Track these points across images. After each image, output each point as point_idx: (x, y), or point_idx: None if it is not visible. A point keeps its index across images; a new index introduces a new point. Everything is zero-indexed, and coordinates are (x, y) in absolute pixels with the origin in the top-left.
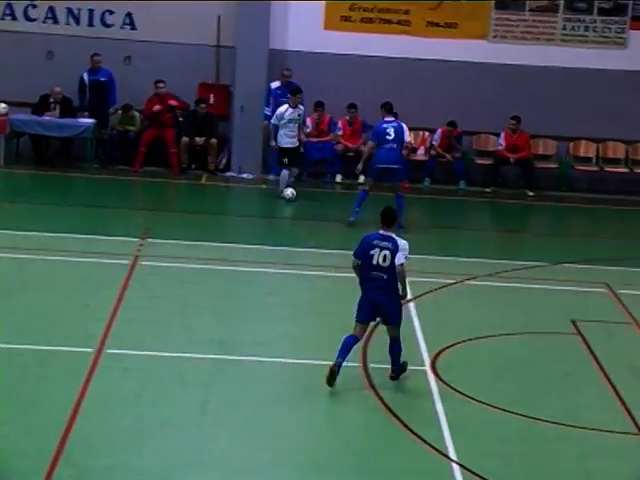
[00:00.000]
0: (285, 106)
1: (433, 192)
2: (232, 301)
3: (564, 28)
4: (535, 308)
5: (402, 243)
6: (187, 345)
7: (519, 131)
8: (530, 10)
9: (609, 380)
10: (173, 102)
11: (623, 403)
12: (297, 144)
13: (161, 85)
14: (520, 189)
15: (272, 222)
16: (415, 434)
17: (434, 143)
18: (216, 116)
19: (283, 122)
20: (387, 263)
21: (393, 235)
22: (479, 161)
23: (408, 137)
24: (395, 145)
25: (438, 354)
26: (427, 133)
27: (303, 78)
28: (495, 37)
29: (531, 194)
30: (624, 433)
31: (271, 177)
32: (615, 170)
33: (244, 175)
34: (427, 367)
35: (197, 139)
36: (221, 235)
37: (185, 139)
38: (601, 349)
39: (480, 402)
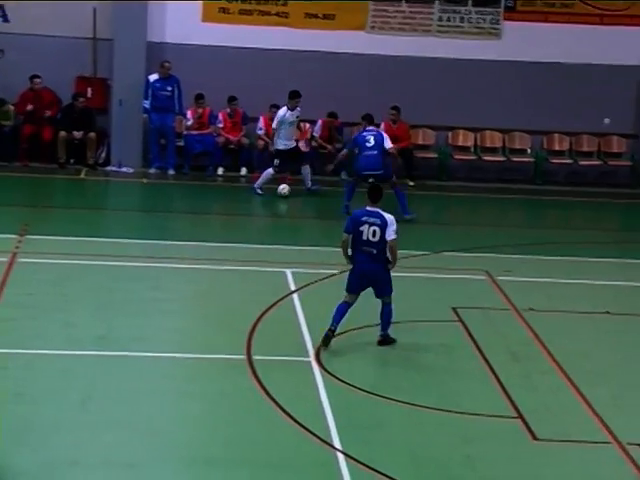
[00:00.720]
0: (284, 109)
1: (317, 183)
2: (113, 296)
3: (440, 19)
4: (417, 296)
5: (390, 218)
6: (68, 342)
7: (399, 121)
8: (407, 1)
9: (489, 365)
10: (48, 112)
11: (502, 387)
12: (294, 145)
13: (37, 80)
14: (401, 179)
15: (153, 216)
16: (300, 424)
17: (315, 134)
18: (94, 110)
19: (283, 125)
20: (377, 238)
21: (379, 210)
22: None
23: (389, 144)
24: (375, 152)
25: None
26: (308, 125)
27: (183, 71)
28: (373, 28)
29: (412, 184)
30: (503, 417)
31: (152, 171)
32: (493, 159)
33: (124, 169)
34: (311, 358)
35: (75, 133)
36: (102, 230)
37: (63, 133)
38: (481, 335)
39: (364, 391)
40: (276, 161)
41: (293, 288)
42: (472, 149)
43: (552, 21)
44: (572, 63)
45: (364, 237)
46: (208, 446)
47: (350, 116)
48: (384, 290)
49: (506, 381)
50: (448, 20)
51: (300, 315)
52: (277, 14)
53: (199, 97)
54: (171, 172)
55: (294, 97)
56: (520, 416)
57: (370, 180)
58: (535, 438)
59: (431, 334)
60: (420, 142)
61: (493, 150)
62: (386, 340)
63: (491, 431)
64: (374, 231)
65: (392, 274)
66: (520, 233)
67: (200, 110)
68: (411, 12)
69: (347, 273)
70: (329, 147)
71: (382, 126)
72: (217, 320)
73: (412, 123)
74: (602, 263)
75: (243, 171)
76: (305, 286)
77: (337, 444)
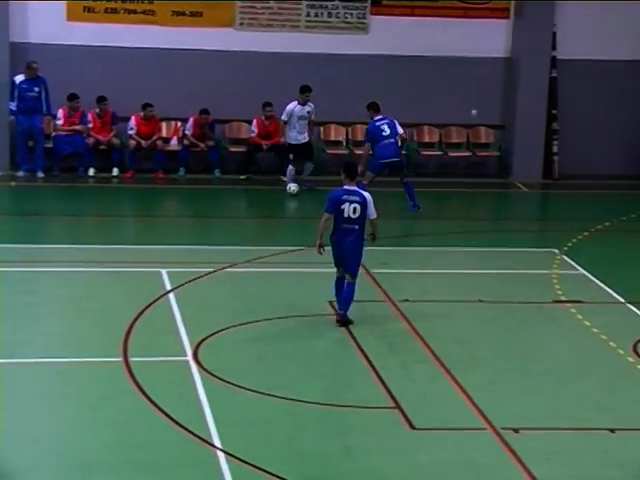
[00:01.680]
0: (294, 103)
1: (188, 182)
2: None
3: (308, 15)
4: (294, 291)
5: (368, 195)
6: None
7: (272, 118)
8: None
9: (367, 357)
10: None
11: (380, 379)
12: (306, 139)
13: None
14: (274, 175)
15: (24, 219)
16: (180, 425)
17: (187, 132)
18: None
19: (293, 119)
20: (357, 214)
21: (357, 188)
22: (233, 149)
23: (401, 129)
24: (392, 140)
25: (200, 343)
26: (179, 123)
27: (50, 71)
28: (241, 25)
29: (286, 179)
30: (381, 407)
31: (20, 174)
32: (336, 152)
33: None
34: (189, 357)
35: None
36: None
37: None
38: (358, 328)
39: (244, 388)
40: (290, 155)
41: (169, 288)
42: (344, 143)
43: (418, 15)
44: (439, 56)
45: (345, 215)
46: (88, 450)
47: (222, 113)
48: (353, 267)
49: (384, 372)
50: (316, 15)
51: (177, 314)
52: (143, 12)
53: (73, 97)
54: (40, 174)
55: (304, 91)
56: (398, 406)
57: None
58: (413, 427)
59: (309, 328)
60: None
61: (361, 143)
62: (344, 320)
63: (369, 422)
64: (354, 208)
65: (268, 269)
66: (392, 225)
67: (71, 110)
68: (279, 8)
69: (217, 273)
70: (201, 145)
71: (254, 122)
72: (93, 322)
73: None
74: (474, 252)
75: (115, 171)
76: (181, 285)
77: (217, 442)
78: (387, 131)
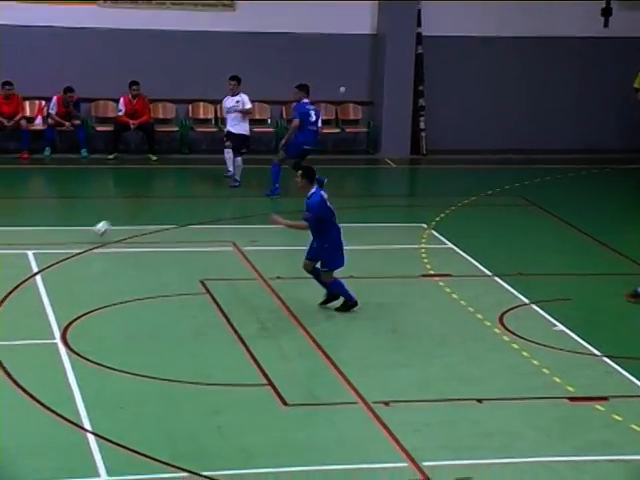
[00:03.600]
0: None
1: (55, 162)
2: None
3: None
4: (165, 271)
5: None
6: None
7: (139, 96)
8: None
9: (239, 335)
10: None
11: (252, 356)
12: (241, 131)
13: None
14: (143, 154)
15: None
16: (48, 409)
17: (51, 111)
18: None
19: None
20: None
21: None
22: (100, 128)
23: (320, 123)
24: (315, 128)
25: (68, 325)
26: (43, 102)
27: None
28: (106, 2)
29: (154, 158)
30: (253, 385)
31: None
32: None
33: None
34: (57, 340)
35: None
36: None
37: None
38: (230, 306)
39: (114, 370)
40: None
41: (35, 270)
42: (213, 121)
43: None
44: (307, 33)
45: (335, 214)
46: None
47: (88, 91)
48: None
49: (256, 350)
50: None
51: (44, 297)
52: None
53: None
54: None
55: (230, 80)
56: (270, 383)
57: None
58: (285, 404)
59: (181, 308)
60: (161, 116)
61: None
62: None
63: (242, 400)
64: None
65: (139, 249)
66: (261, 203)
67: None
68: None
69: (85, 254)
70: (67, 124)
71: (121, 101)
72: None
73: (151, 97)
74: (343, 228)
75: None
76: (48, 267)
77: (87, 425)
78: (313, 117)
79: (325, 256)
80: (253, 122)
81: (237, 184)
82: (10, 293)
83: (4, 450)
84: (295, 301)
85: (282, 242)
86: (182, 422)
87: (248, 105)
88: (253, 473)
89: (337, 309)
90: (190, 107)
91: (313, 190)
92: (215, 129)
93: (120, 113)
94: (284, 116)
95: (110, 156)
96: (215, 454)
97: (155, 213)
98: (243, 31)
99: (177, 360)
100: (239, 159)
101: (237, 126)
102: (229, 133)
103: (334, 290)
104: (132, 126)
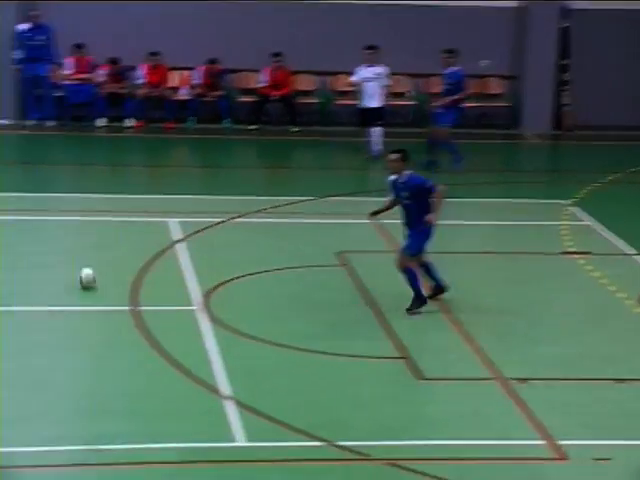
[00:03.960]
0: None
1: (198, 131)
2: None
3: None
4: (303, 242)
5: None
6: None
7: (280, 68)
8: None
9: (376, 308)
10: None
11: (389, 329)
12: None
13: None
14: (284, 125)
15: (34, 168)
16: (188, 374)
17: (196, 82)
18: None
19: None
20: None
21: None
22: (242, 99)
23: None
24: None
25: (209, 293)
26: (188, 72)
27: (55, 20)
28: None
29: (295, 129)
30: (390, 357)
31: (30, 122)
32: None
33: (1, 121)
34: (199, 306)
35: None
36: None
37: None
38: (367, 279)
39: (253, 338)
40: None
41: (177, 237)
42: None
43: None
44: (451, 6)
45: None
46: (97, 398)
47: (232, 63)
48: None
49: (393, 323)
50: None
51: (186, 264)
52: None
53: (79, 46)
54: (50, 123)
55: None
56: (406, 356)
57: None
58: (421, 377)
59: (318, 280)
60: (302, 88)
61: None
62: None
63: (377, 372)
64: None
65: (278, 220)
66: None
67: (78, 59)
68: None
69: (226, 223)
70: (211, 94)
71: (263, 72)
72: (102, 272)
73: (294, 69)
74: (484, 204)
75: (127, 122)
76: (190, 235)
77: (226, 391)
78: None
79: (417, 239)
80: (392, 95)
81: (377, 154)
82: (153, 260)
83: (141, 412)
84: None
85: None
86: (319, 392)
87: (388, 81)
88: (388, 445)
89: (408, 309)
90: (330, 79)
91: (409, 171)
92: (355, 102)
93: (262, 84)
94: (425, 89)
95: (251, 127)
96: (350, 425)
97: (295, 184)
98: (385, 3)
99: (315, 331)
100: (378, 130)
101: (373, 99)
102: (365, 109)
103: (410, 278)
104: (274, 97)
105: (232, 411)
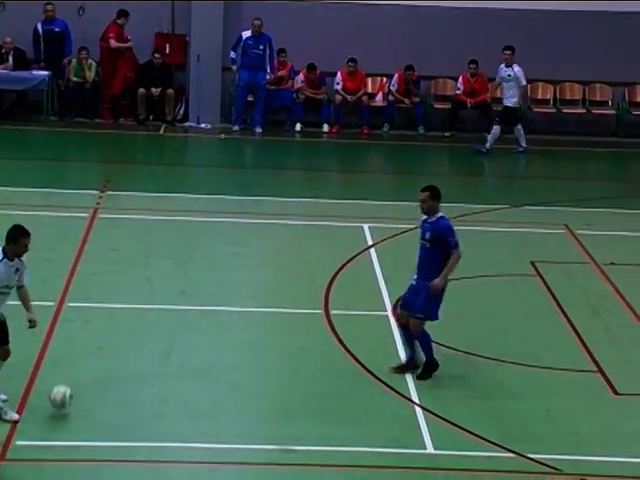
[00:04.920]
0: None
1: (392, 138)
2: (193, 252)
3: None
4: (495, 250)
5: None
6: (149, 296)
7: (477, 75)
8: None
9: (568, 319)
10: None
11: (582, 341)
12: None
13: (123, 19)
14: (479, 132)
15: (233, 172)
16: (378, 379)
17: (392, 88)
18: (172, 66)
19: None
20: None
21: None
22: (437, 106)
23: None
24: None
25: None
26: (385, 78)
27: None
28: None
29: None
30: (583, 371)
31: (236, 128)
32: (573, 111)
33: (202, 125)
34: (389, 312)
35: (153, 90)
36: (182, 186)
37: (142, 90)
38: (560, 289)
39: (442, 345)
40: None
41: (370, 243)
42: (551, 102)
43: None
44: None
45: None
46: (287, 399)
47: (428, 69)
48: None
49: (586, 335)
50: None
51: (377, 269)
52: None
53: (281, 51)
54: (258, 130)
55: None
56: (600, 370)
57: None
58: (616, 392)
59: (510, 288)
60: (498, 95)
61: (573, 102)
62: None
63: (571, 385)
64: None
65: (471, 227)
66: (601, 186)
67: (281, 64)
68: None
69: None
70: (406, 101)
71: (460, 79)
72: (295, 274)
73: (489, 76)
74: (591, 213)
75: (325, 127)
76: (382, 241)
77: (415, 398)
78: None
79: (429, 299)
80: (595, 104)
81: (485, 150)
82: (345, 264)
83: (331, 414)
84: (629, 288)
85: (618, 227)
86: (509, 402)
87: (523, 82)
88: (582, 460)
89: (419, 376)
90: (529, 87)
91: (441, 214)
92: (553, 110)
93: (458, 91)
94: (626, 98)
95: (446, 134)
96: (543, 437)
97: (488, 192)
98: (588, 10)
99: (505, 340)
100: (497, 128)
101: (507, 99)
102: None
103: (423, 343)
104: (469, 105)
105: (421, 419)
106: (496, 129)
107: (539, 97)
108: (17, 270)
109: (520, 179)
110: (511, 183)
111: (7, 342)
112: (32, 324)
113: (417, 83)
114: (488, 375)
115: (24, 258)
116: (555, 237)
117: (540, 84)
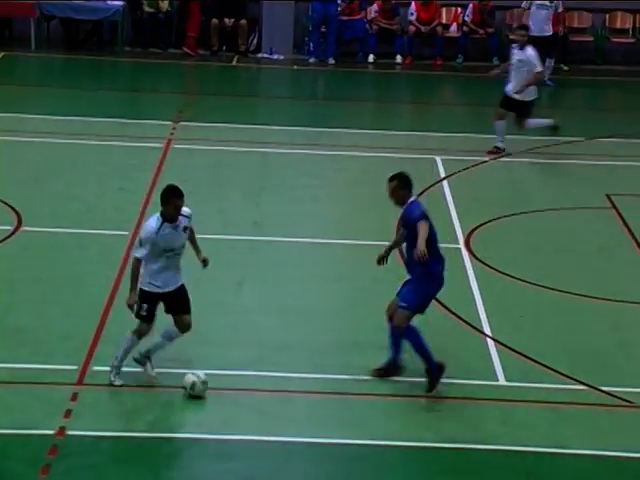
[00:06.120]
0: None
1: (466, 69)
2: (266, 183)
3: None
4: (569, 183)
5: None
6: (222, 227)
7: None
8: None
9: None
10: None
11: None
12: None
13: None
14: (555, 64)
15: (304, 103)
16: (450, 311)
17: (466, 19)
18: None
19: None
20: None
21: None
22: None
23: None
24: None
25: (472, 231)
26: (459, 9)
27: None
28: None
29: (566, 68)
30: None
31: (312, 60)
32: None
33: (275, 56)
34: (461, 245)
35: (226, 20)
36: (254, 117)
37: (215, 21)
38: (636, 222)
39: (514, 278)
40: None
41: (443, 175)
42: (630, 32)
43: None
44: None
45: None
46: (358, 331)
47: None
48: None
49: None
50: None
51: (450, 202)
52: None
53: None
54: (331, 61)
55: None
56: None
57: None
58: None
59: (585, 221)
60: (575, 25)
61: None
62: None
63: None
64: None
65: (544, 160)
66: None
67: None
68: None
69: (492, 162)
70: (481, 32)
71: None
72: (367, 207)
73: (567, 6)
74: None
75: (398, 59)
76: (454, 173)
77: (487, 330)
78: None
79: (414, 288)
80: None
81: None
82: (418, 197)
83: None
84: None
85: None
86: (581, 335)
87: (539, 67)
88: None
89: (428, 390)
90: (607, 17)
91: (412, 198)
92: (632, 40)
93: None
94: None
95: None
96: (616, 370)
97: (562, 124)
98: None
99: (579, 274)
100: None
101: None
102: (507, 99)
103: (415, 347)
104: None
105: (493, 350)
106: (549, 62)
107: (617, 27)
108: (185, 229)
109: (594, 111)
110: (586, 115)
111: (188, 311)
112: (205, 263)
113: (492, 13)
114: (560, 309)
115: (188, 212)
116: (631, 170)
117: (619, 13)
